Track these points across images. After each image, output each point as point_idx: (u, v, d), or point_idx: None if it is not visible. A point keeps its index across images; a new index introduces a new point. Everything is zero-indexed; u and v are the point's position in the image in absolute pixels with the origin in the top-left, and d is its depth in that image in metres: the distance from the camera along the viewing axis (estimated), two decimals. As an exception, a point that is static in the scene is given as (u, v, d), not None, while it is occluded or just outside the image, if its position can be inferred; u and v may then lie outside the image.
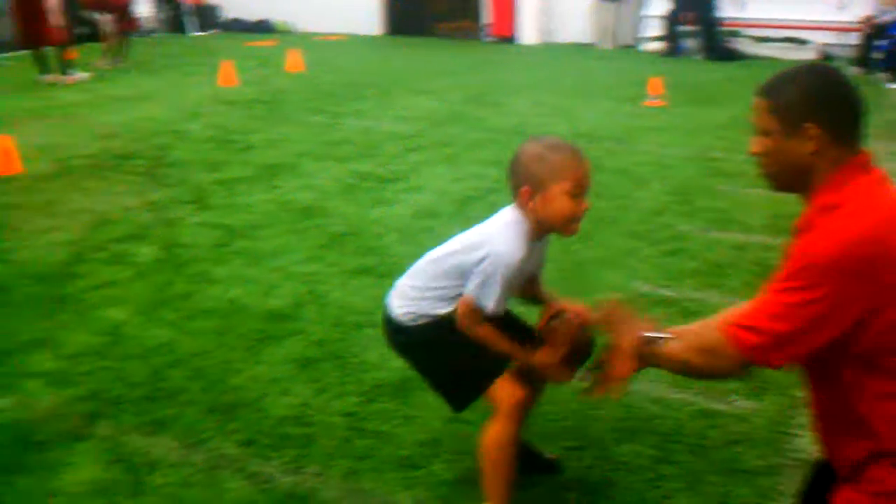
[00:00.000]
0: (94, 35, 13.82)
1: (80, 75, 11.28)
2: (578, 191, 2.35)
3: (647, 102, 9.59)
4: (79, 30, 13.02)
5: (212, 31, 17.51)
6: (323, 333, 3.89)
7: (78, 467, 2.92)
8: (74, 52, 11.51)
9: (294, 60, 12.12)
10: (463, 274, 2.46)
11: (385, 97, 10.11)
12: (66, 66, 11.23)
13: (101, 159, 7.17)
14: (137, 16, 14.14)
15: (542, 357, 2.48)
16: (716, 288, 4.48)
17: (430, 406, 3.19)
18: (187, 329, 3.95)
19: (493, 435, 2.54)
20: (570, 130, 8.19)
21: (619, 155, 7.33)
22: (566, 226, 2.39)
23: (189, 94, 10.32)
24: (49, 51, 11.21)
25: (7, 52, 13.38)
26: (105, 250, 5.02)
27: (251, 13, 17.65)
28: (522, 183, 2.38)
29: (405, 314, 2.61)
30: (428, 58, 13.96)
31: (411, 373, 3.47)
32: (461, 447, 2.99)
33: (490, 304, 2.41)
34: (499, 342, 2.48)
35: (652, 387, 3.37)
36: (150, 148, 7.55)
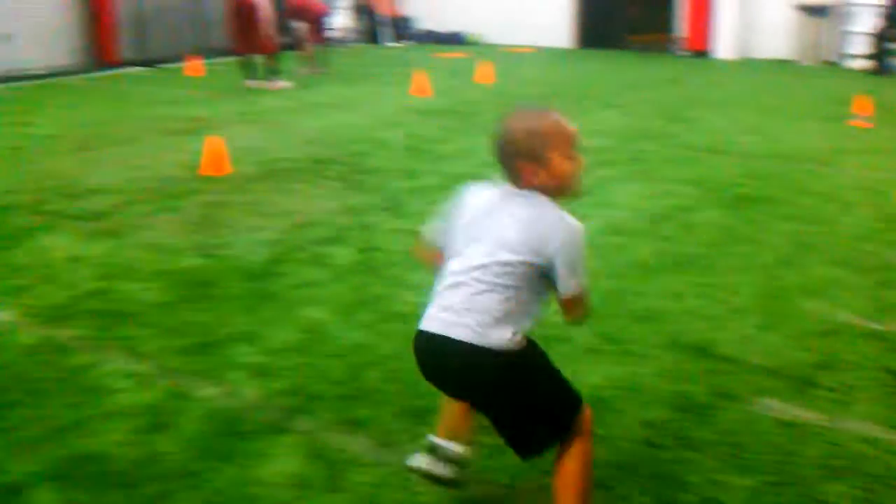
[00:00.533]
0: (295, 45, 14.51)
1: (284, 83, 11.84)
2: (573, 150, 2.39)
3: (853, 122, 9.09)
4: (283, 39, 13.70)
5: (405, 43, 17.99)
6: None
7: (278, 459, 3.03)
8: (280, 61, 12.11)
9: (484, 72, 12.27)
10: (537, 278, 2.33)
11: (575, 110, 10.06)
12: (271, 74, 11.83)
13: (303, 163, 7.49)
14: (332, 26, 14.70)
15: None
16: (932, 324, 4.17)
17: (623, 426, 3.13)
18: (382, 331, 4.05)
19: (583, 459, 2.41)
20: (770, 150, 7.88)
21: (822, 178, 6.99)
22: (575, 187, 2.42)
23: (384, 103, 10.64)
24: (257, 58, 11.85)
25: (219, 58, 14.26)
26: (306, 251, 5.23)
27: (444, 25, 18.00)
28: (523, 161, 2.36)
29: (506, 346, 2.31)
30: (619, 71, 13.79)
31: (608, 389, 3.45)
32: (656, 470, 2.92)
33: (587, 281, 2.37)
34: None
35: (862, 426, 3.17)
36: (349, 154, 7.83)
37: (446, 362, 2.42)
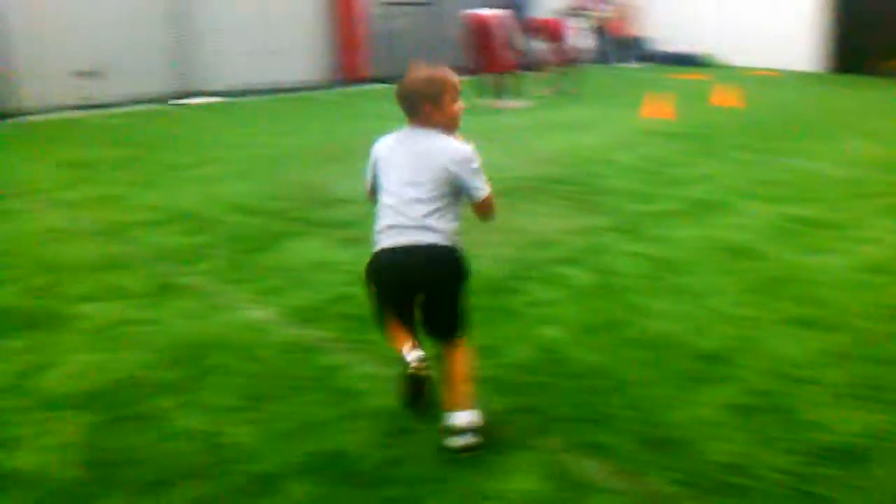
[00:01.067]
0: (532, 65, 14.70)
1: (520, 102, 12.01)
2: (458, 96, 3.24)
3: None
4: (521, 59, 13.89)
5: (640, 63, 17.77)
6: (761, 383, 3.73)
7: (513, 476, 3.05)
8: (517, 80, 12.29)
9: (722, 95, 11.90)
10: (451, 193, 3.15)
11: (824, 138, 9.55)
12: (508, 93, 12.03)
13: (538, 182, 7.55)
14: (574, 46, 14.74)
15: None
16: None
17: (887, 478, 2.92)
18: (621, 357, 4.00)
19: (467, 358, 3.25)
20: None
21: None
22: (457, 123, 3.26)
23: (619, 124, 10.55)
24: (494, 77, 12.09)
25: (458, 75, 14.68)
26: (542, 270, 5.26)
27: (679, 46, 17.62)
28: (423, 102, 3.15)
29: (452, 245, 3.21)
30: (872, 97, 12.96)
31: (867, 439, 3.23)
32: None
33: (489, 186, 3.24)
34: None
35: None
36: (583, 175, 7.82)
37: (414, 261, 3.13)
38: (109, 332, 4.39)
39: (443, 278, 3.21)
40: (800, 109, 11.66)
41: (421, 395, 3.30)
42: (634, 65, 17.65)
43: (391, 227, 3.16)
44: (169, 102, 12.55)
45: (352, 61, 14.83)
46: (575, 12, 17.15)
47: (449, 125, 3.22)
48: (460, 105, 3.25)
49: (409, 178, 3.13)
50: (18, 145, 9.93)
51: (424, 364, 3.16)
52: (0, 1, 11.33)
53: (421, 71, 3.24)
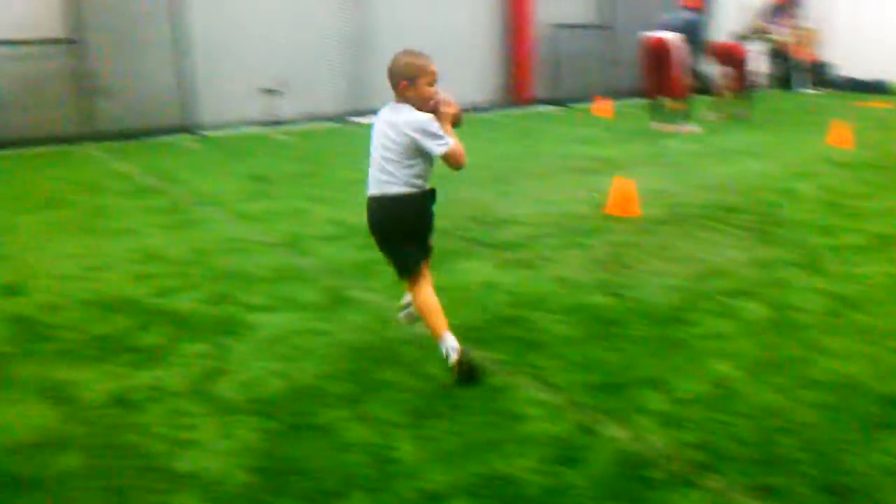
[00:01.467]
0: (705, 89, 14.39)
1: (693, 127, 11.75)
2: (433, 81, 4.04)
3: None
4: (695, 83, 13.62)
5: (822, 89, 17.04)
6: (952, 433, 3.48)
7: (684, 512, 2.97)
8: (692, 105, 12.03)
9: (915, 124, 11.24)
10: (417, 152, 4.02)
11: None
12: (681, 117, 11.80)
13: (710, 210, 7.35)
14: (753, 71, 14.31)
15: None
16: None
17: None
18: (798, 397, 3.83)
19: (426, 293, 4.19)
20: None
21: None
22: (428, 104, 4.04)
23: (798, 152, 10.14)
24: (667, 101, 11.88)
25: (626, 99, 14.52)
26: (713, 300, 5.10)
27: (866, 72, 16.78)
28: (402, 80, 4.00)
29: (413, 190, 4.08)
30: None
31: None
32: None
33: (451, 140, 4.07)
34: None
35: None
36: (758, 203, 7.55)
37: (391, 212, 4.13)
38: (284, 342, 4.57)
39: (415, 218, 4.20)
40: None
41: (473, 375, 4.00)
42: (815, 90, 16.93)
43: (371, 178, 4.15)
44: (344, 120, 13.00)
45: (521, 83, 14.92)
46: (754, 35, 16.65)
47: (420, 104, 4.03)
48: (434, 90, 4.05)
49: (380, 143, 4.08)
50: (201, 159, 10.51)
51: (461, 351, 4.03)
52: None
53: (406, 55, 4.05)
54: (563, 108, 14.65)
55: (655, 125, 11.89)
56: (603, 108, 13.78)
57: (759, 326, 4.71)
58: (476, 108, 14.39)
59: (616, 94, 14.97)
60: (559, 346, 4.45)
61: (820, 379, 4.03)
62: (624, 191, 7.22)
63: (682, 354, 4.32)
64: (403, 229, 4.18)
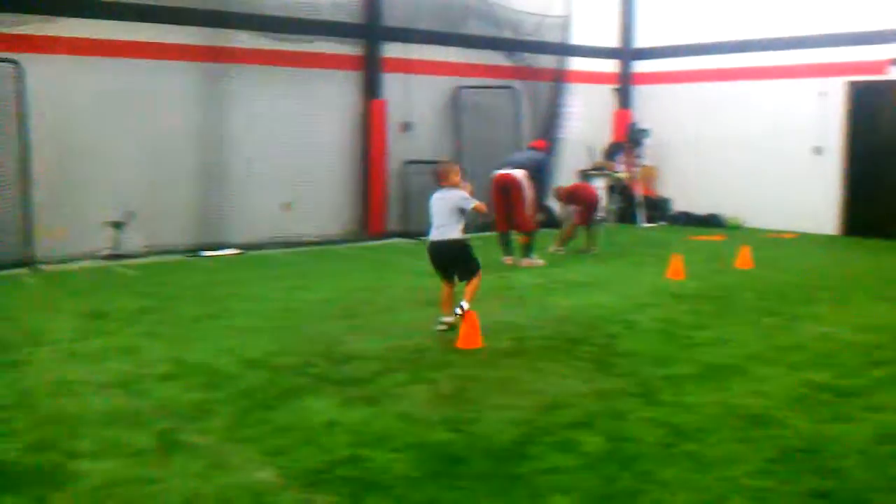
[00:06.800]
0: (551, 223, 14.96)
1: (539, 261, 12.11)
2: (462, 175, 8.06)
3: None
4: (546, 219, 14.16)
5: (661, 224, 17.97)
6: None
7: None
8: (538, 240, 12.44)
9: (743, 256, 11.94)
10: (461, 211, 7.83)
11: (842, 302, 9.50)
12: (527, 251, 12.16)
13: (554, 341, 7.52)
14: (600, 207, 14.99)
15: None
16: None
17: None
18: (632, 531, 3.86)
19: (478, 283, 7.93)
20: None
21: None
22: (461, 187, 7.99)
23: (637, 284, 10.57)
24: (514, 235, 12.25)
25: (475, 233, 14.93)
26: (554, 434, 5.16)
27: (701, 207, 17.85)
28: (445, 177, 7.98)
29: (460, 237, 7.82)
30: (890, 262, 12.96)
31: None
32: None
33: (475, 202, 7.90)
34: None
35: None
36: (599, 335, 7.78)
37: (445, 249, 7.86)
38: (108, 491, 4.31)
39: (459, 252, 7.89)
40: (817, 272, 11.64)
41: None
42: (655, 225, 17.84)
43: (435, 229, 7.88)
44: (195, 254, 12.76)
45: (375, 216, 15.11)
46: (597, 172, 17.54)
47: (455, 187, 7.85)
48: (462, 180, 7.90)
49: (438, 209, 7.85)
50: (37, 294, 10.06)
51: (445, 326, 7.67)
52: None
53: (447, 164, 8.12)
54: (415, 242, 14.88)
55: (505, 259, 12.19)
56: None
57: (597, 459, 4.77)
58: (330, 241, 14.44)
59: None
60: (399, 486, 4.37)
61: (653, 511, 4.09)
62: (471, 324, 7.31)
63: (522, 490, 4.32)
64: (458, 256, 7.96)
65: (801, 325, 8.28)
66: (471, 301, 7.77)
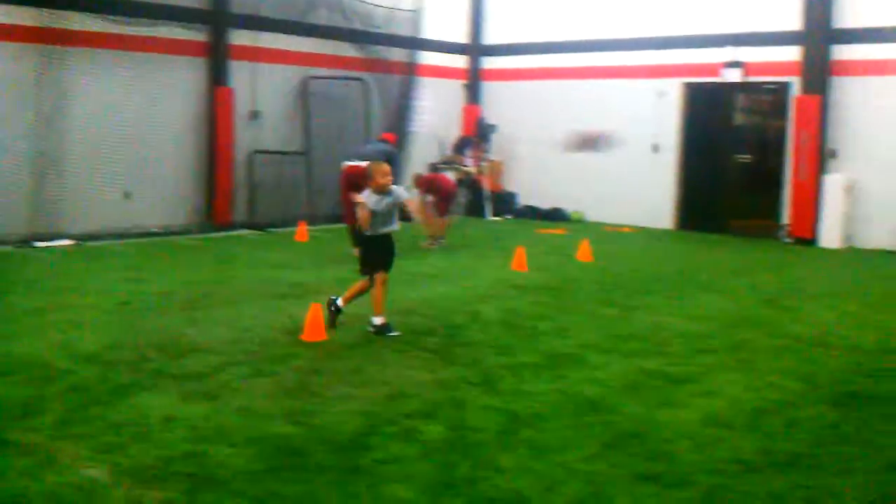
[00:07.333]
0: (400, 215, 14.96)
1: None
2: (386, 176, 7.56)
3: (970, 321, 8.71)
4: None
5: (508, 217, 18.34)
6: (607, 542, 3.72)
7: None
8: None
9: (584, 250, 12.34)
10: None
11: (675, 293, 9.97)
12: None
13: (403, 334, 7.54)
14: (457, 202, 15.14)
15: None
16: None
17: None
18: (469, 517, 3.94)
19: (384, 287, 7.57)
20: (880, 345, 7.61)
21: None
22: (383, 189, 7.53)
23: (483, 276, 10.76)
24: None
25: (326, 224, 14.83)
26: (396, 424, 5.19)
27: (545, 201, 18.33)
28: (369, 180, 7.58)
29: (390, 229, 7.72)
30: (720, 255, 13.69)
31: None
32: None
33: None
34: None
35: None
36: (445, 326, 7.88)
37: (385, 240, 7.66)
38: (-76, 496, 4.05)
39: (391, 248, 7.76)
40: (653, 265, 12.17)
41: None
42: (503, 218, 18.19)
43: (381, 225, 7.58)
44: (27, 244, 12.12)
45: (221, 207, 14.77)
46: (446, 166, 17.69)
47: (379, 189, 7.47)
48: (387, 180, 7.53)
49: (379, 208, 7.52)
50: None
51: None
52: None
53: (372, 166, 7.67)
54: (262, 233, 14.63)
55: (354, 251, 12.13)
56: (301, 232, 13.93)
57: (437, 447, 4.84)
58: (173, 232, 14.02)
59: (315, 219, 15.21)
60: (237, 481, 4.30)
61: (492, 496, 4.19)
62: (316, 316, 7.26)
63: (362, 481, 4.33)
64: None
65: (637, 315, 8.63)
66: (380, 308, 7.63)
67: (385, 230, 7.58)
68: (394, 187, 7.57)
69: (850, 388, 6.30)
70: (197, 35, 14.60)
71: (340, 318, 7.64)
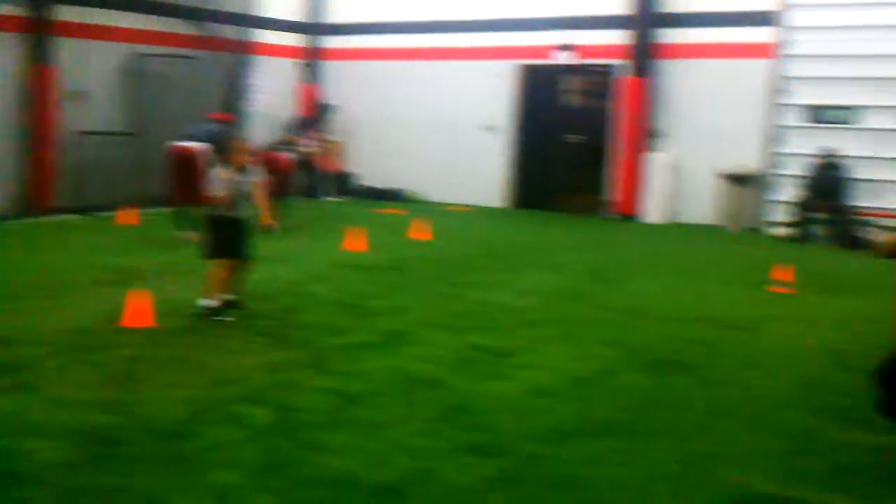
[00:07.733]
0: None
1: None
2: (246, 153, 7.38)
3: (774, 289, 9.37)
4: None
5: (345, 198, 18.28)
6: (429, 514, 3.81)
7: None
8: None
9: (420, 229, 12.47)
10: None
11: (507, 270, 10.23)
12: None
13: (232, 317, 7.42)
14: (294, 183, 14.94)
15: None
16: (842, 492, 4.22)
17: None
18: (296, 497, 3.95)
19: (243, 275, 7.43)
20: (692, 314, 8.07)
21: (743, 343, 7.14)
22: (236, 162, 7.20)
23: (318, 257, 10.71)
24: (192, 210, 11.89)
25: (155, 207, 14.35)
26: (222, 410, 5.12)
27: (385, 182, 18.39)
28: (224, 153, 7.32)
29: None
30: (551, 232, 14.14)
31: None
32: None
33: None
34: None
35: None
36: (278, 308, 7.80)
37: (240, 223, 7.35)
38: None
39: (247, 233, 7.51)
40: (487, 243, 12.42)
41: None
42: (339, 199, 18.11)
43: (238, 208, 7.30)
44: None
45: (41, 191, 14.06)
46: (283, 147, 17.42)
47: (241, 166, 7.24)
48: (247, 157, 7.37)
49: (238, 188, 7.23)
50: None
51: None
52: None
53: (235, 141, 7.55)
54: (87, 217, 14.00)
55: (180, 234, 11.80)
56: (129, 216, 13.42)
57: (263, 431, 4.80)
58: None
59: (143, 202, 14.67)
60: (53, 474, 4.14)
61: (318, 476, 4.21)
62: (140, 302, 7.03)
63: (182, 469, 4.25)
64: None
65: (470, 293, 8.80)
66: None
67: (242, 212, 7.28)
68: (251, 167, 7.36)
69: (663, 356, 6.65)
70: (15, 9, 13.79)
71: (227, 314, 7.27)
